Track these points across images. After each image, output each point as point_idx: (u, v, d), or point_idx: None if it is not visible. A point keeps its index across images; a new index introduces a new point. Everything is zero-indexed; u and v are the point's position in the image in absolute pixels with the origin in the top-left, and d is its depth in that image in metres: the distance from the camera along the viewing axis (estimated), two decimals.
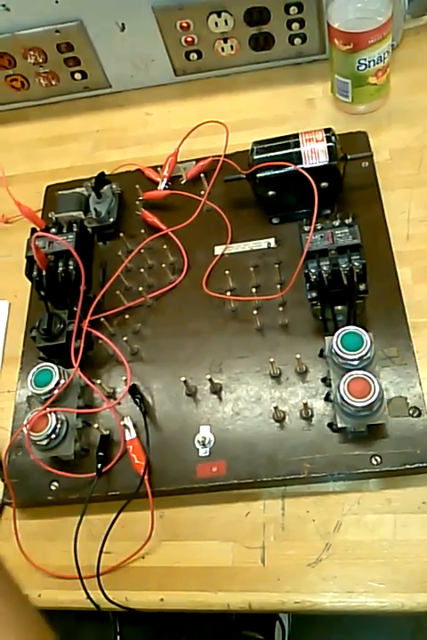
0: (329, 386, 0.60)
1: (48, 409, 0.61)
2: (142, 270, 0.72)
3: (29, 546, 0.61)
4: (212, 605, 0.56)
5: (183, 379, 0.63)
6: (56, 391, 0.62)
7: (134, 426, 0.63)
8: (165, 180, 0.78)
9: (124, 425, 0.62)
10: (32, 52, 0.87)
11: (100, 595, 0.57)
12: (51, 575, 0.60)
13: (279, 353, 0.64)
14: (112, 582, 0.58)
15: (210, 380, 0.63)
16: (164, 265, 0.72)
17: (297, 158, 0.68)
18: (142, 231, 0.75)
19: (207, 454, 0.61)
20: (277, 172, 0.69)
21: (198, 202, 0.75)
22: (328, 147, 0.68)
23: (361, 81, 0.77)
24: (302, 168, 0.67)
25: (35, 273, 0.69)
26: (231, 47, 0.85)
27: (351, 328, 0.58)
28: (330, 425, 0.59)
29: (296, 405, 0.61)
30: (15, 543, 0.61)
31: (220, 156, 0.76)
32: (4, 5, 0.82)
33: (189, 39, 0.85)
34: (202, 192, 0.76)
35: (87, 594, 0.57)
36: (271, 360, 0.62)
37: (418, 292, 0.66)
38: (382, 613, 0.54)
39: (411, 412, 0.59)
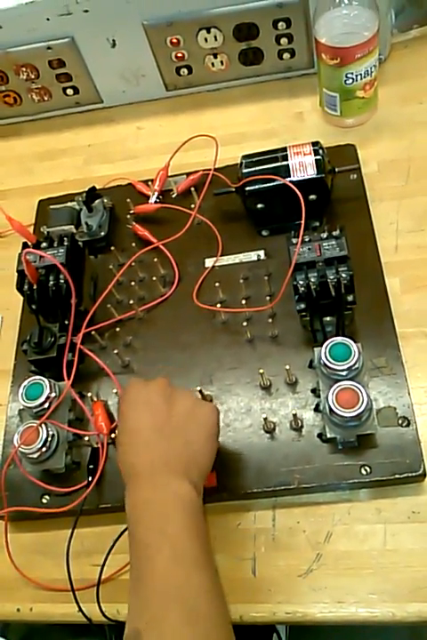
0: (319, 396, 0.60)
1: (39, 421, 0.61)
2: (133, 283, 0.73)
3: (21, 559, 0.61)
4: None
5: None
6: (47, 405, 0.62)
7: None
8: (156, 193, 0.79)
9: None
10: (24, 69, 0.88)
11: (92, 608, 0.57)
12: (43, 588, 0.60)
13: (269, 364, 0.64)
14: (103, 595, 0.58)
15: (200, 391, 0.63)
16: (154, 278, 0.72)
17: (285, 171, 0.69)
18: (133, 244, 0.76)
19: None
20: (265, 185, 0.69)
21: (189, 215, 0.75)
22: (316, 160, 0.69)
23: (349, 94, 0.78)
24: (290, 181, 0.67)
25: (26, 287, 0.70)
26: (221, 62, 0.86)
27: (340, 339, 0.59)
28: (320, 435, 0.60)
29: (286, 416, 0.62)
30: (7, 556, 0.61)
31: (210, 169, 0.77)
32: None
33: (180, 55, 0.86)
34: (192, 205, 0.77)
35: (79, 607, 0.57)
36: (261, 371, 0.62)
37: (406, 301, 0.67)
38: (372, 623, 0.54)
39: (400, 421, 0.59)
